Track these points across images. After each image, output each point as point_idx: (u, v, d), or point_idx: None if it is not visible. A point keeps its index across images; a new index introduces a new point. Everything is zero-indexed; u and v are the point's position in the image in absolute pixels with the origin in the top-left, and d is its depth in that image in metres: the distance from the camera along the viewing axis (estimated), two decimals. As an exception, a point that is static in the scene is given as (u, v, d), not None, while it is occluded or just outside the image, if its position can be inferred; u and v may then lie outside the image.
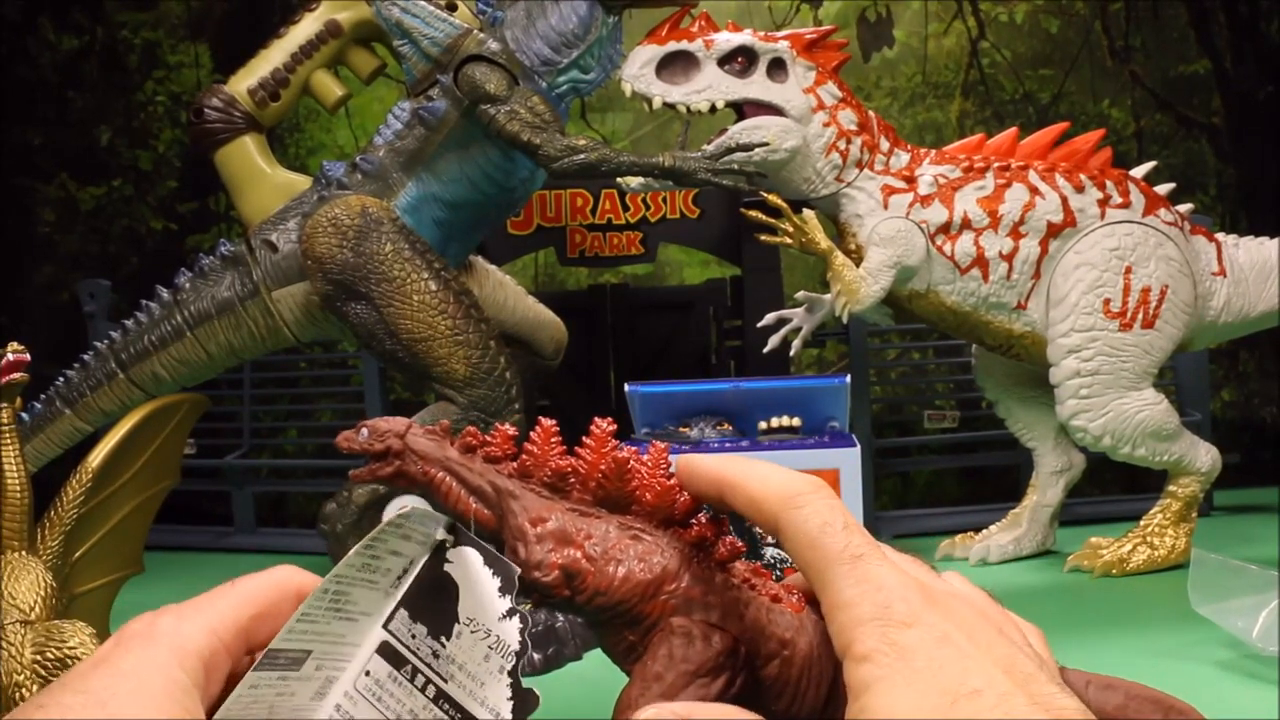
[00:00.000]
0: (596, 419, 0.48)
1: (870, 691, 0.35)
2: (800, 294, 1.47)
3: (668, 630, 0.45)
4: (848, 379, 1.32)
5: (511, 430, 0.49)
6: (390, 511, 0.46)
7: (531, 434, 0.49)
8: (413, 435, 0.48)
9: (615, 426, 0.49)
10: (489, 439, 0.49)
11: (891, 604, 0.36)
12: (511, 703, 0.43)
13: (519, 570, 0.45)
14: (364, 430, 0.48)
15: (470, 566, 0.45)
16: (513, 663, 0.44)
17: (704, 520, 0.48)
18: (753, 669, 0.46)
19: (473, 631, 0.44)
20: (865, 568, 0.38)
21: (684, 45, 1.34)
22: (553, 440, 0.48)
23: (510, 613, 0.44)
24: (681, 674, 0.44)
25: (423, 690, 0.43)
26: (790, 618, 0.47)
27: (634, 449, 0.48)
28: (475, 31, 1.27)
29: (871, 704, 0.35)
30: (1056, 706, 0.34)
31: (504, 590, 0.44)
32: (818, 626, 0.46)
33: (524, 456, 0.48)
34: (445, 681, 0.43)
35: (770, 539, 1.17)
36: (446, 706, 0.43)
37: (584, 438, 0.48)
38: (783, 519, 0.41)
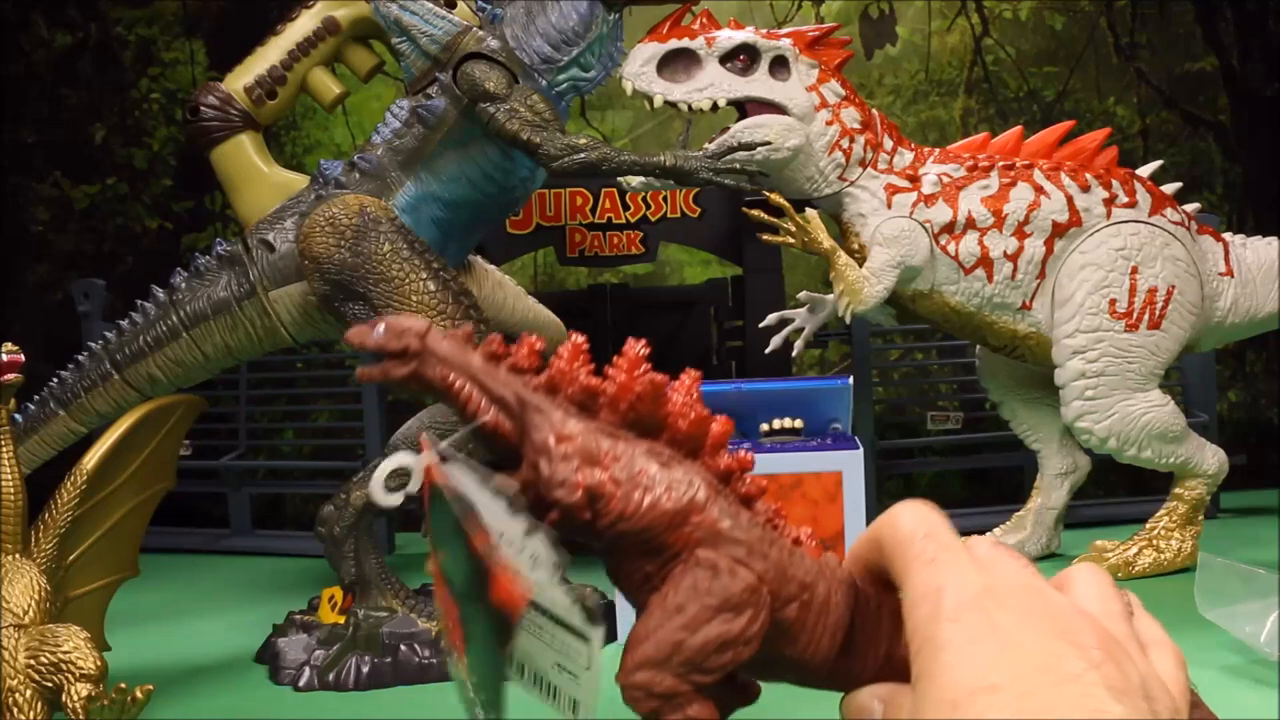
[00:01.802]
0: (630, 339, 0.46)
1: (915, 688, 0.36)
2: (802, 294, 1.46)
3: (693, 562, 0.44)
4: (850, 380, 1.31)
5: (539, 343, 0.47)
6: (381, 471, 0.43)
7: (559, 350, 0.46)
8: (434, 337, 0.45)
9: (649, 349, 0.46)
10: (515, 349, 0.46)
11: (943, 602, 0.37)
12: (575, 605, 0.41)
13: (517, 487, 0.42)
14: (380, 327, 0.44)
15: (469, 490, 0.42)
16: (558, 574, 0.41)
17: (734, 455, 0.46)
18: (771, 610, 0.45)
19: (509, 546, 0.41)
20: (934, 570, 0.39)
21: (685, 43, 1.33)
22: (581, 357, 0.46)
23: (531, 529, 0.41)
24: (705, 607, 0.43)
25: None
26: (810, 562, 0.46)
27: (664, 376, 0.46)
28: (475, 29, 1.26)
29: (914, 699, 0.36)
30: (1094, 709, 0.33)
31: (513, 509, 0.41)
32: (834, 575, 0.46)
33: (551, 370, 0.46)
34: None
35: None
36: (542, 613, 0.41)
37: (614, 358, 0.46)
38: (881, 537, 0.43)
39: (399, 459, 0.42)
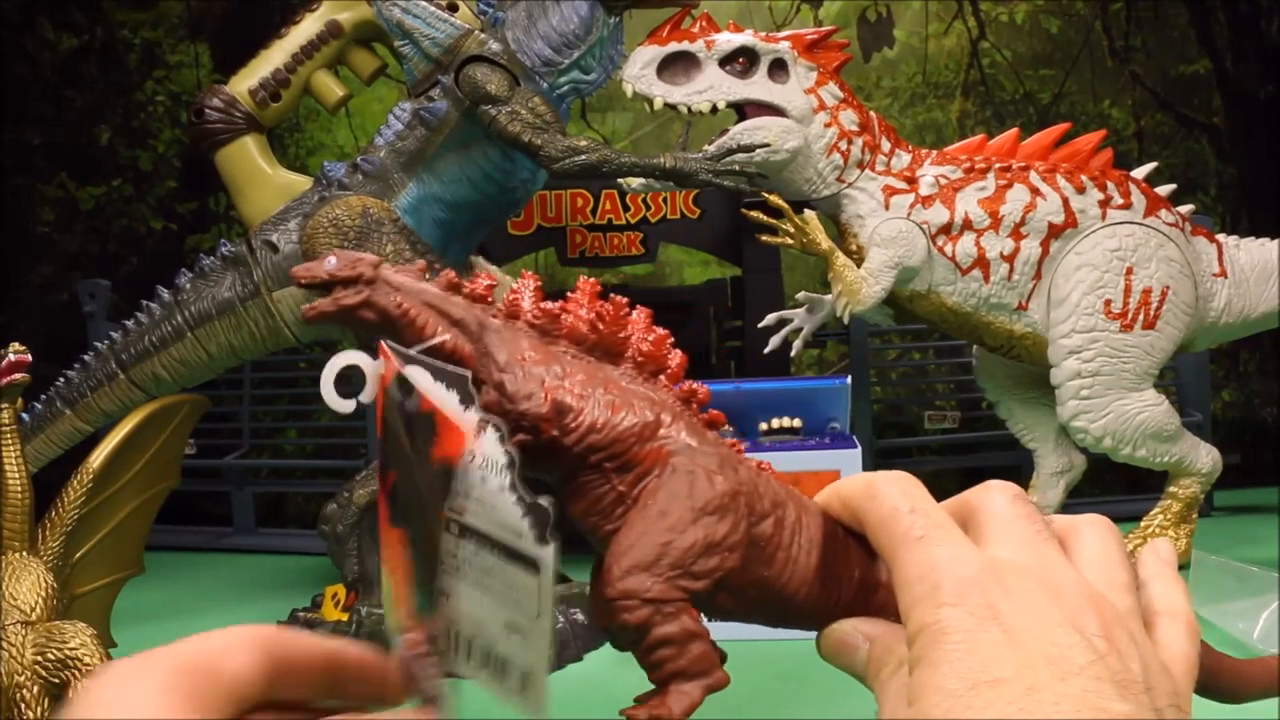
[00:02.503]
0: (582, 278, 0.46)
1: (914, 672, 0.35)
2: (801, 294, 1.47)
3: (669, 471, 0.43)
4: (848, 380, 1.32)
5: (495, 277, 0.47)
6: (331, 370, 0.41)
7: (514, 284, 0.46)
8: (387, 266, 0.44)
9: (598, 286, 0.46)
10: (472, 281, 0.46)
11: (940, 583, 0.35)
12: (527, 519, 0.38)
13: (471, 374, 0.40)
14: (332, 258, 0.43)
15: (424, 388, 0.40)
16: (508, 477, 0.38)
17: (693, 384, 0.46)
18: (748, 524, 0.44)
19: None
20: (926, 548, 0.37)
21: (685, 46, 1.33)
22: (537, 289, 0.46)
23: (482, 424, 0.38)
24: (689, 509, 0.43)
25: (448, 529, 0.39)
26: (778, 485, 0.46)
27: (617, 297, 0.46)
28: (476, 32, 1.27)
29: (913, 686, 0.34)
30: (1096, 708, 0.31)
31: (465, 403, 0.39)
32: (801, 499, 0.45)
33: (509, 299, 0.45)
34: (460, 515, 0.39)
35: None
36: (473, 539, 0.39)
37: (568, 293, 0.46)
38: (860, 509, 0.41)
39: (347, 356, 0.41)
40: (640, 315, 0.46)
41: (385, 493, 0.42)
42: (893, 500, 0.39)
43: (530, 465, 0.40)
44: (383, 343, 0.42)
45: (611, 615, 0.41)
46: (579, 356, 0.45)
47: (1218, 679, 0.63)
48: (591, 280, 0.46)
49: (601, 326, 0.45)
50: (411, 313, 0.43)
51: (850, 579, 0.44)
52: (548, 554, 0.38)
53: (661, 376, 0.46)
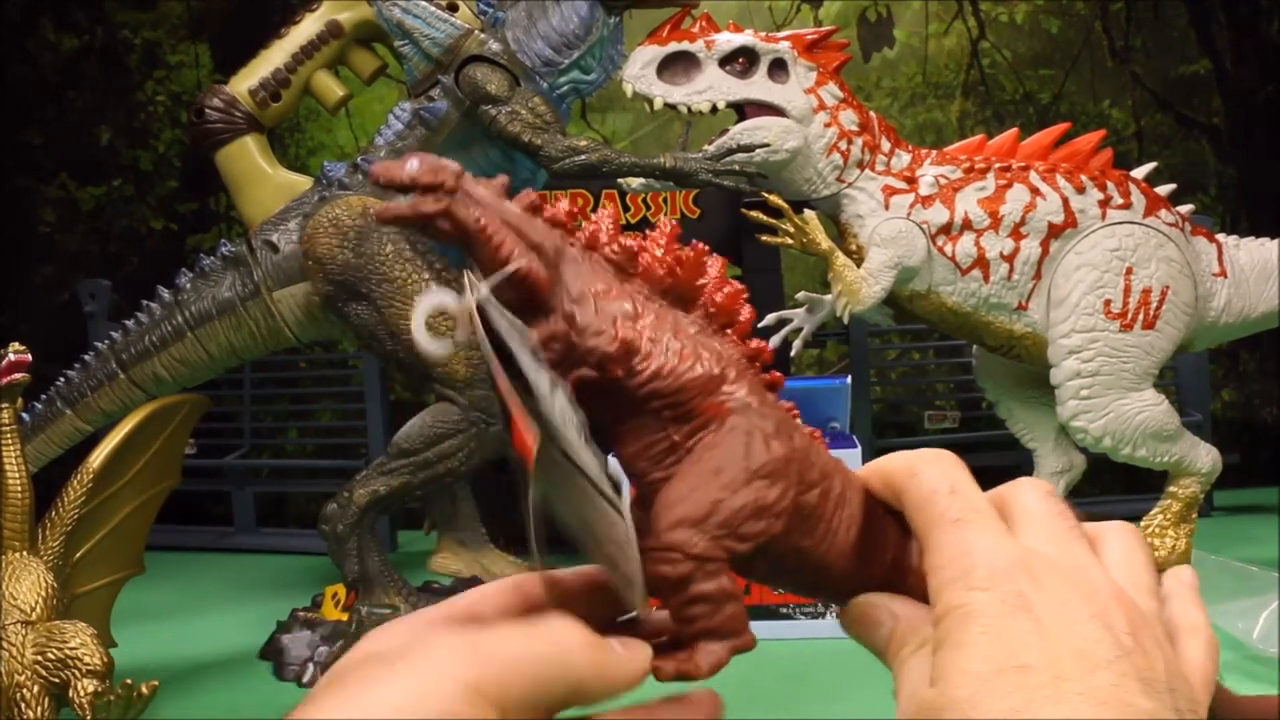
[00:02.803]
0: (663, 217, 0.46)
1: (938, 653, 0.35)
2: (801, 294, 1.47)
3: (727, 428, 0.43)
4: (848, 380, 1.32)
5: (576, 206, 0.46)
6: (421, 313, 0.42)
7: (596, 214, 0.47)
8: (469, 178, 0.42)
9: (679, 229, 0.47)
10: (553, 204, 0.44)
11: (973, 568, 0.35)
12: (604, 471, 0.38)
13: (536, 333, 0.40)
14: (414, 160, 0.41)
15: (503, 332, 0.39)
16: (583, 433, 0.38)
17: (759, 342, 0.45)
18: (796, 491, 0.44)
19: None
20: (961, 532, 0.37)
21: (685, 46, 1.33)
22: (615, 222, 0.45)
23: (554, 384, 0.38)
24: (743, 470, 0.42)
25: (555, 450, 0.39)
26: (828, 455, 0.45)
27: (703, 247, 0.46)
28: (476, 32, 1.27)
29: (936, 666, 0.34)
30: (1122, 703, 0.31)
31: (538, 361, 0.39)
32: (847, 472, 0.45)
33: (590, 228, 0.44)
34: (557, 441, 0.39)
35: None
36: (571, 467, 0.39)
37: (648, 231, 0.45)
38: (901, 488, 0.41)
39: (437, 298, 0.40)
40: (716, 264, 0.46)
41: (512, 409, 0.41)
42: (933, 482, 0.39)
43: (585, 403, 0.40)
44: (469, 276, 0.41)
45: (653, 564, 0.41)
46: (651, 298, 0.44)
47: (1217, 709, 0.63)
48: (674, 221, 0.45)
49: (679, 271, 0.44)
50: (489, 229, 0.41)
51: (884, 558, 0.45)
52: (625, 503, 0.39)
53: (730, 330, 0.46)
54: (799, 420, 0.46)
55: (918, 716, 0.35)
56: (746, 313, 0.46)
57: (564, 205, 0.44)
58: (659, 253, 0.44)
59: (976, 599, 0.34)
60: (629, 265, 0.44)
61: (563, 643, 0.36)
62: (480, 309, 0.39)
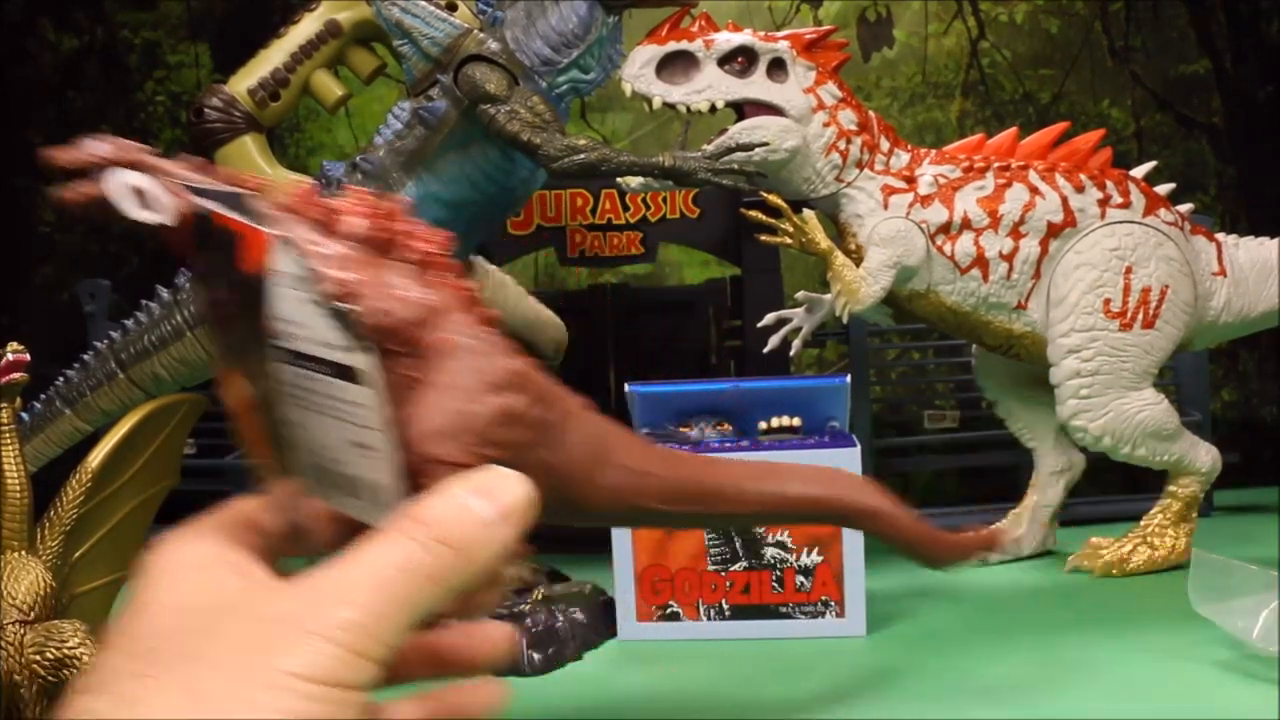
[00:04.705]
0: (351, 188, 0.46)
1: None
2: (800, 294, 1.47)
3: (459, 350, 0.44)
4: (848, 379, 1.32)
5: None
6: (121, 185, 0.42)
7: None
8: (152, 155, 0.44)
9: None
10: (243, 174, 0.46)
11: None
12: (335, 328, 0.39)
13: (246, 190, 0.41)
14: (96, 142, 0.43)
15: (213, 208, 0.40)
16: (308, 290, 0.39)
17: (461, 281, 0.47)
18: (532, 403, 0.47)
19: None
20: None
21: (684, 45, 1.34)
22: (314, 190, 0.47)
23: (270, 238, 0.39)
24: (482, 382, 0.44)
25: (272, 354, 0.40)
26: (551, 379, 0.48)
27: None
28: (475, 31, 1.27)
29: None
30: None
31: (254, 220, 0.40)
32: (573, 399, 0.49)
33: (285, 198, 0.45)
34: (278, 339, 0.39)
35: (770, 538, 1.17)
36: (294, 360, 0.40)
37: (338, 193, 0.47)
38: None
39: (131, 177, 0.42)
40: (417, 221, 0.47)
41: (219, 329, 0.43)
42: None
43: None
44: (166, 181, 0.43)
45: (412, 479, 0.41)
46: (356, 247, 0.44)
47: (919, 546, 0.68)
48: (365, 190, 0.47)
49: (378, 223, 0.45)
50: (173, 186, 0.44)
51: (616, 476, 0.50)
52: (364, 360, 0.38)
53: (442, 276, 0.47)
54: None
55: None
56: (455, 265, 0.47)
57: (251, 177, 0.45)
58: (354, 206, 0.45)
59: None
60: (328, 222, 0.44)
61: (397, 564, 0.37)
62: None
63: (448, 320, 0.44)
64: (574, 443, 0.47)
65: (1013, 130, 1.44)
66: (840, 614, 1.16)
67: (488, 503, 0.38)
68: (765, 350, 1.45)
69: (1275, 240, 1.45)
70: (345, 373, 0.39)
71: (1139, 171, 1.44)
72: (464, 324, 0.45)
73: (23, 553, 0.96)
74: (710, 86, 1.34)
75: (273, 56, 1.37)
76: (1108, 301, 1.35)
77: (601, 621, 1.21)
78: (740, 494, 0.61)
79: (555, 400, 0.47)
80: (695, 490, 0.58)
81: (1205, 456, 1.40)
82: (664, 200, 1.75)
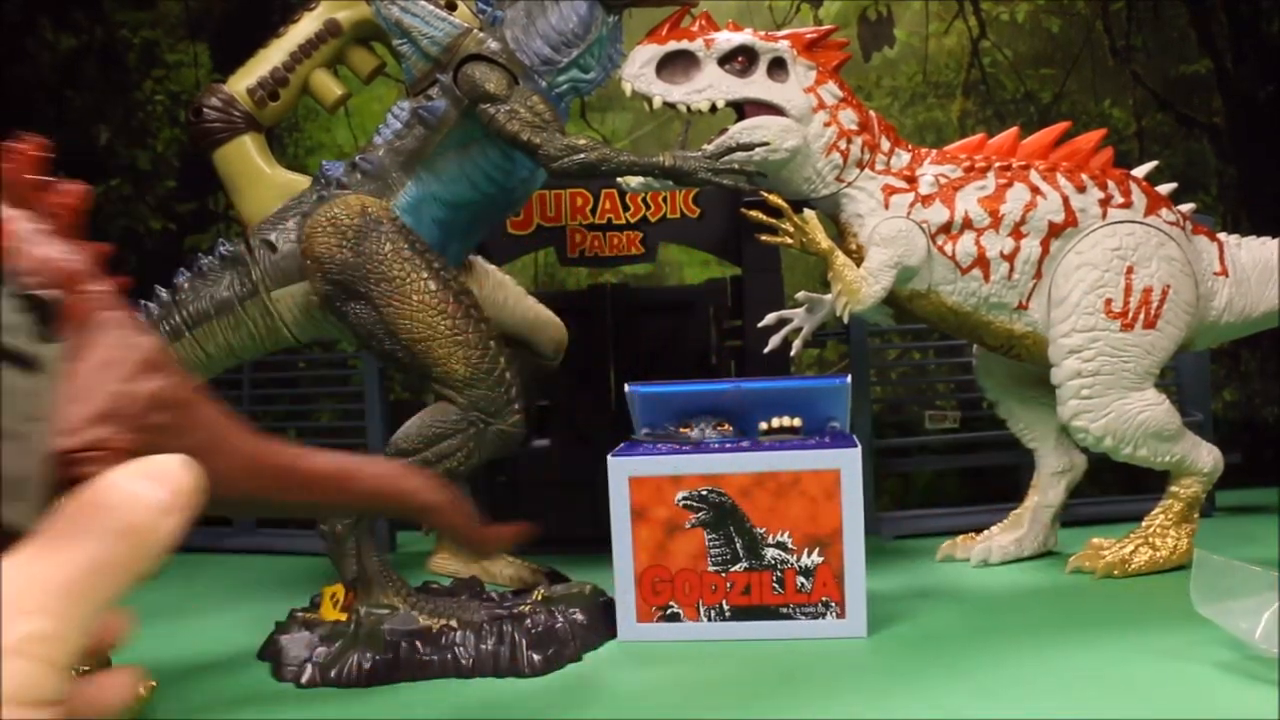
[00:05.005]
0: (5, 144, 0.45)
1: None
2: (801, 294, 1.47)
3: (108, 323, 0.43)
4: (848, 379, 1.32)
5: None
6: None
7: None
8: None
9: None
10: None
11: None
12: (21, 314, 0.37)
13: None
14: None
15: None
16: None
17: (104, 245, 0.46)
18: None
19: None
20: None
21: (684, 45, 1.33)
22: None
23: None
24: (136, 362, 0.43)
25: None
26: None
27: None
28: (475, 31, 1.27)
29: None
30: None
31: None
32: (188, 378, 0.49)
33: None
34: None
35: (771, 539, 1.17)
36: None
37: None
38: None
39: None
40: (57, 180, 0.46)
41: None
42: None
43: None
44: None
45: (73, 466, 0.40)
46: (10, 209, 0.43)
47: (466, 537, 0.70)
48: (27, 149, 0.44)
49: (18, 178, 0.43)
50: None
51: (232, 457, 0.51)
52: (48, 351, 0.36)
53: (72, 236, 0.45)
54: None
55: None
56: (76, 204, 0.45)
57: None
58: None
59: None
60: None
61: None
62: None
63: (88, 283, 0.43)
64: (200, 425, 0.46)
65: (1014, 130, 1.43)
66: (841, 615, 1.16)
67: (160, 488, 0.36)
68: (766, 350, 1.45)
69: (1277, 240, 1.45)
70: (15, 360, 0.36)
71: (1140, 171, 1.43)
72: (104, 288, 0.43)
73: (21, 553, 0.96)
74: (710, 86, 1.33)
75: (272, 56, 1.36)
76: (1109, 302, 1.35)
77: (601, 622, 1.20)
78: (336, 483, 0.64)
79: (185, 382, 0.47)
80: (297, 479, 0.59)
81: (1207, 457, 1.40)
82: (664, 200, 1.75)
